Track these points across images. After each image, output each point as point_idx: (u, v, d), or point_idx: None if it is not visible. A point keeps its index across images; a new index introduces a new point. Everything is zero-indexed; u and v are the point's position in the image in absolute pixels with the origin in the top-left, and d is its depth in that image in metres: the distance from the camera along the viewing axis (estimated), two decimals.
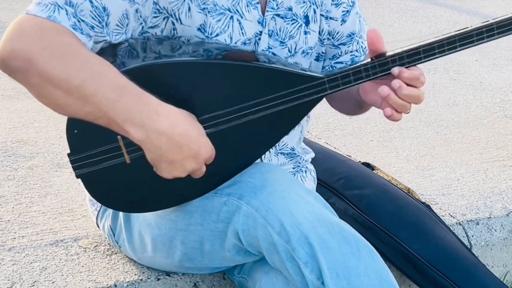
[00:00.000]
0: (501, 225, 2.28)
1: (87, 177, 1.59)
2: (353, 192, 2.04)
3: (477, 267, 1.97)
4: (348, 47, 1.84)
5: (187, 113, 1.48)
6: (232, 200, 1.56)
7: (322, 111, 2.64)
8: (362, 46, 1.86)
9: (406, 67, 1.50)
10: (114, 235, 1.80)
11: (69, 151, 1.56)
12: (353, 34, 1.84)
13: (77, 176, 1.58)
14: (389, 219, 1.99)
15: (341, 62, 1.82)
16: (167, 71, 1.54)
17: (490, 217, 2.28)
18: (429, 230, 2.00)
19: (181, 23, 1.60)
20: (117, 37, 1.52)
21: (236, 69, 1.57)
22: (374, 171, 2.19)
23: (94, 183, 1.61)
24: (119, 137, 1.50)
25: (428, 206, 2.07)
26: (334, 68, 1.79)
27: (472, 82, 3.44)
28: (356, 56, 1.84)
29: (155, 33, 1.62)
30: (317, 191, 1.92)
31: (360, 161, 2.27)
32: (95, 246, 1.88)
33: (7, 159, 2.28)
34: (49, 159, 2.31)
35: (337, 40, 1.84)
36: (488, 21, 1.54)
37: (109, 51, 1.53)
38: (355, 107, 1.85)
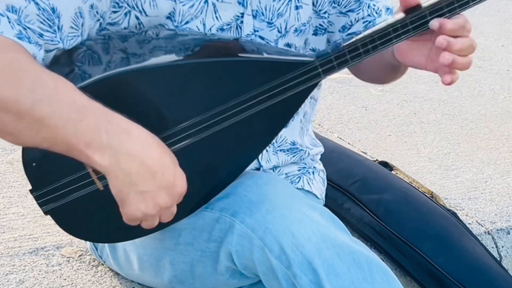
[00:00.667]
0: None
1: (57, 212, 1.48)
2: (370, 196, 1.98)
3: (509, 284, 1.92)
4: (357, 13, 1.72)
5: (157, 138, 1.37)
6: (225, 217, 1.47)
7: (335, 101, 2.62)
8: (374, 9, 1.74)
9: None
10: (97, 250, 1.74)
11: (30, 188, 1.45)
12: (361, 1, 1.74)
13: (45, 213, 1.47)
14: (411, 228, 1.93)
15: (354, 33, 1.67)
16: (133, 80, 1.42)
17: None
18: (456, 241, 1.93)
19: (146, 15, 1.51)
20: (71, 42, 1.42)
21: (214, 67, 1.48)
22: (393, 171, 2.15)
23: (66, 217, 1.51)
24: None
25: (454, 214, 2.03)
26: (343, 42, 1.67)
27: (499, 70, 3.45)
28: (370, 22, 1.73)
29: (111, 31, 1.53)
30: (330, 194, 1.89)
31: (377, 160, 2.24)
32: (79, 256, 1.80)
33: None
34: None
35: (345, 7, 1.72)
36: None
37: (64, 60, 1.42)
38: (391, 72, 1.72)
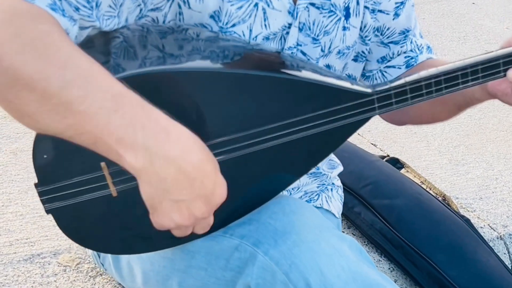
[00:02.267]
0: None
1: (60, 213, 1.34)
2: (382, 201, 1.92)
3: None
4: (401, 47, 1.61)
5: (200, 141, 1.22)
6: (246, 246, 1.34)
7: None
8: (417, 45, 1.63)
9: None
10: (99, 257, 1.62)
11: (36, 181, 1.29)
12: (408, 31, 1.61)
13: (47, 212, 1.33)
14: (423, 237, 1.86)
15: (394, 66, 1.60)
16: (172, 81, 1.29)
17: None
18: (470, 253, 1.86)
19: (190, 7, 1.37)
20: (108, 22, 1.27)
21: (256, 82, 1.34)
22: (403, 169, 2.08)
23: (69, 220, 1.37)
24: (102, 163, 1.24)
25: (467, 221, 1.95)
26: (384, 74, 1.59)
27: None
28: (412, 58, 1.62)
29: (157, 18, 1.38)
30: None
31: (388, 156, 2.15)
32: (77, 264, 1.72)
33: None
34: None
35: (387, 38, 1.61)
36: None
37: (99, 47, 1.29)
38: (453, 109, 1.59)
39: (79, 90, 1.09)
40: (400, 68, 1.56)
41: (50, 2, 1.16)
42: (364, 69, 1.61)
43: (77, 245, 1.65)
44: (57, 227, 1.72)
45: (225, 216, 1.35)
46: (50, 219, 1.72)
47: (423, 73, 1.26)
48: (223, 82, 1.30)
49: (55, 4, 1.16)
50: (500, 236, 2.04)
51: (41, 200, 1.30)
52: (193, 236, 1.35)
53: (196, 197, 1.15)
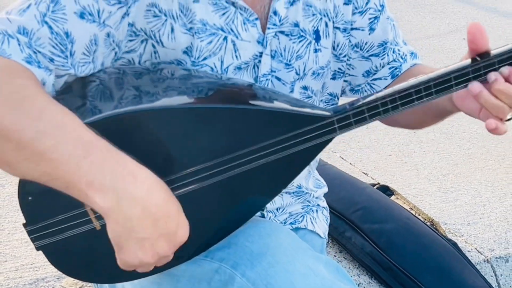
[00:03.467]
0: None
1: (49, 249, 1.36)
2: (372, 226, 1.91)
3: None
4: (382, 59, 1.61)
5: (164, 183, 1.25)
6: (225, 268, 1.35)
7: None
8: (400, 54, 1.64)
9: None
10: (96, 284, 1.63)
11: (24, 222, 1.32)
12: (386, 43, 1.62)
13: (37, 249, 1.35)
14: (412, 260, 1.86)
15: (380, 78, 1.60)
16: (145, 119, 1.32)
17: None
18: (457, 274, 1.86)
19: (163, 46, 1.40)
20: (83, 68, 1.31)
21: (227, 114, 1.37)
22: (393, 196, 2.07)
23: (59, 254, 1.40)
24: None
25: (454, 244, 1.96)
26: (372, 86, 1.60)
27: None
28: (396, 68, 1.62)
29: (132, 59, 1.41)
30: (332, 222, 1.78)
31: (378, 183, 2.15)
32: (79, 287, 1.72)
33: None
34: None
35: (367, 52, 1.61)
36: None
37: (76, 91, 1.32)
38: (433, 118, 1.58)
39: (51, 140, 1.12)
40: (386, 79, 1.57)
41: (25, 55, 1.20)
42: (351, 84, 1.62)
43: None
44: None
45: (205, 241, 1.37)
46: None
47: (380, 93, 1.29)
48: (193, 117, 1.33)
49: (30, 57, 1.21)
50: (487, 259, 2.03)
51: (30, 238, 1.32)
52: (174, 263, 1.36)
53: (160, 236, 1.18)
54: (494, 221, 2.24)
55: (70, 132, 1.14)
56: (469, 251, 2.04)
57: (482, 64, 1.26)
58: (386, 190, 2.07)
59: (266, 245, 1.34)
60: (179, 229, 1.20)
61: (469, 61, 1.26)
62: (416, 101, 1.32)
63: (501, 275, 2.06)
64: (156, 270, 1.36)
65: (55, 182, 1.14)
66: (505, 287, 2.07)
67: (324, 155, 2.09)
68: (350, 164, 2.31)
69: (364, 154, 2.44)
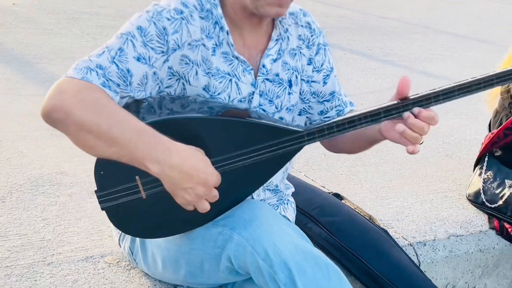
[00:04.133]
0: (443, 246, 2.23)
1: (110, 210, 1.54)
2: (326, 219, 1.99)
3: (425, 281, 1.94)
4: (331, 103, 1.76)
5: (195, 148, 1.41)
6: (226, 231, 1.50)
7: (303, 150, 2.61)
8: (343, 101, 1.78)
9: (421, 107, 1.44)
10: (132, 254, 1.75)
11: (96, 189, 1.52)
12: (334, 93, 1.77)
13: (102, 209, 1.53)
14: (355, 241, 1.95)
15: (329, 117, 1.75)
16: (178, 125, 1.49)
17: (434, 239, 2.23)
18: (387, 251, 1.95)
19: (190, 84, 1.54)
20: (138, 94, 1.47)
21: (233, 124, 1.52)
22: (343, 200, 2.14)
23: (116, 214, 1.56)
24: (137, 177, 1.45)
25: (385, 231, 2.03)
26: (323, 122, 1.72)
27: None
28: (341, 110, 1.77)
29: (169, 92, 1.56)
30: (297, 217, 1.89)
31: (331, 192, 2.22)
32: (117, 262, 1.81)
33: (52, 188, 2.21)
34: (85, 188, 2.24)
35: (321, 98, 1.76)
36: (477, 76, 1.47)
37: (133, 108, 1.49)
38: (366, 144, 1.74)
39: (118, 130, 1.33)
40: (334, 117, 1.71)
41: (101, 81, 1.38)
42: (310, 119, 1.76)
43: (117, 249, 1.82)
44: (103, 240, 1.90)
45: (213, 214, 1.50)
46: (98, 235, 1.88)
47: (333, 120, 1.47)
48: (207, 124, 1.50)
49: (104, 83, 1.38)
50: (410, 243, 2.13)
51: (98, 201, 1.50)
52: (197, 224, 1.53)
53: (196, 184, 1.37)
54: (416, 218, 2.31)
55: (129, 124, 1.35)
56: (397, 238, 2.11)
57: (401, 105, 1.43)
58: (338, 196, 2.15)
59: (254, 215, 1.50)
60: (209, 176, 1.39)
61: (394, 102, 1.44)
62: (358, 126, 1.48)
63: (421, 254, 2.13)
64: (187, 227, 1.55)
65: (122, 159, 1.37)
66: (423, 263, 2.11)
67: (293, 174, 2.19)
68: (312, 180, 2.41)
69: (322, 173, 2.53)
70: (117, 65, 1.42)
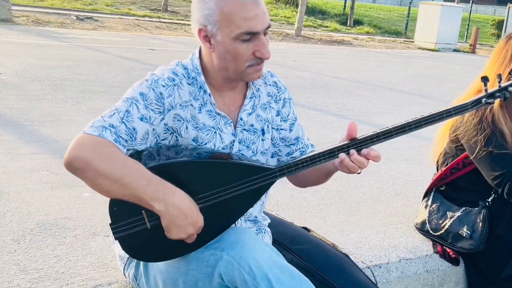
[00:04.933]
0: (396, 267, 2.32)
1: (122, 239, 1.62)
2: (297, 247, 2.03)
3: None
4: (296, 146, 1.88)
5: (188, 196, 1.53)
6: (217, 252, 1.57)
7: (273, 193, 2.72)
8: (305, 144, 1.89)
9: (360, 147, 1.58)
10: (136, 280, 1.80)
11: (110, 222, 1.60)
12: (298, 138, 1.88)
13: (116, 239, 1.60)
14: (322, 264, 1.97)
15: (294, 157, 1.85)
16: (174, 167, 1.59)
17: (388, 262, 2.31)
18: (349, 272, 1.99)
19: (181, 137, 1.66)
20: (140, 147, 1.58)
21: (218, 165, 1.63)
22: (310, 232, 2.19)
23: (127, 243, 1.64)
24: (143, 211, 1.55)
25: (347, 256, 2.07)
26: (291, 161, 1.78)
27: (373, 171, 3.46)
28: (304, 151, 1.87)
29: (165, 143, 1.66)
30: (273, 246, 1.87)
31: (300, 226, 2.24)
32: None
33: (58, 231, 2.28)
34: (87, 230, 2.30)
35: (288, 142, 1.88)
36: (412, 118, 1.62)
37: (136, 156, 1.59)
38: (325, 176, 1.83)
39: (130, 177, 1.48)
40: (299, 157, 1.74)
41: (113, 138, 1.51)
42: (279, 161, 1.86)
43: (122, 278, 1.91)
44: (108, 271, 1.98)
45: (205, 240, 1.59)
46: (103, 268, 1.98)
47: (297, 160, 1.60)
48: (197, 166, 1.59)
49: (115, 139, 1.51)
50: (368, 266, 2.23)
51: (112, 232, 1.59)
52: (192, 249, 1.58)
53: (188, 224, 1.51)
54: (372, 246, 2.41)
55: (138, 173, 1.49)
56: (357, 262, 2.19)
57: (351, 144, 1.58)
58: (305, 228, 2.16)
59: (239, 237, 1.58)
60: (198, 219, 1.50)
61: (345, 142, 1.58)
62: (318, 162, 1.61)
63: (377, 275, 2.23)
64: (183, 252, 1.60)
65: (133, 199, 1.51)
66: (380, 282, 2.20)
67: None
68: (282, 217, 2.32)
69: (291, 212, 2.63)
70: (125, 125, 1.55)
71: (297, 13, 14.41)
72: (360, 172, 1.62)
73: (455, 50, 15.22)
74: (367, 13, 21.97)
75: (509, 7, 16.79)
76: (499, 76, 1.68)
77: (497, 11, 30.04)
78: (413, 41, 16.09)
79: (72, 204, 2.57)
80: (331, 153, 1.62)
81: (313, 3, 20.50)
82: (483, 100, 1.66)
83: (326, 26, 17.75)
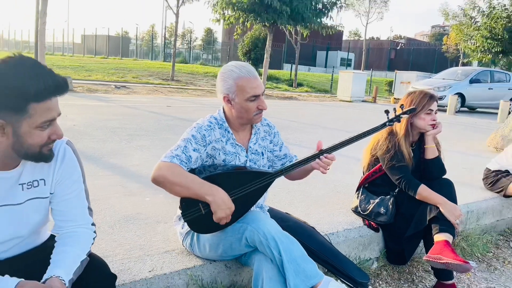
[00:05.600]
0: (342, 234, 2.35)
1: (189, 221, 1.70)
2: (284, 224, 1.94)
3: (338, 252, 1.99)
4: (285, 159, 1.95)
5: (226, 193, 1.61)
6: (244, 225, 1.64)
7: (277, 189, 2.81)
8: (291, 156, 1.94)
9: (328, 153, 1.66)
10: (191, 246, 1.84)
11: (181, 212, 1.67)
12: (286, 154, 1.95)
13: (185, 221, 1.66)
14: (300, 233, 1.95)
15: (283, 164, 1.93)
16: (215, 176, 1.66)
17: (337, 231, 2.34)
18: (316, 236, 2.01)
19: (216, 159, 1.76)
20: (193, 166, 1.67)
21: (239, 173, 1.69)
22: (290, 215, 2.15)
23: (191, 222, 1.70)
24: (199, 203, 1.63)
25: (314, 228, 2.09)
26: (283, 167, 1.83)
27: (324, 179, 3.38)
28: (291, 160, 1.92)
29: (207, 163, 1.75)
30: None
31: (284, 211, 2.24)
32: (182, 252, 1.92)
33: (135, 221, 2.25)
34: (153, 219, 2.26)
35: (279, 158, 1.95)
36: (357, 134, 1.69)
37: (191, 171, 1.68)
38: (306, 173, 1.89)
39: (191, 184, 1.56)
40: (286, 164, 1.87)
41: (179, 162, 1.58)
42: (274, 169, 1.89)
43: (180, 247, 1.95)
44: (172, 242, 1.98)
45: (235, 219, 1.63)
46: (168, 241, 1.98)
47: (285, 167, 1.67)
48: (229, 174, 1.65)
49: (180, 163, 1.58)
50: (326, 234, 2.23)
51: (183, 218, 1.67)
52: (228, 224, 1.65)
53: (226, 208, 1.57)
54: (327, 222, 2.42)
55: (196, 181, 1.58)
56: (318, 231, 2.13)
57: (320, 153, 1.67)
58: (287, 213, 2.15)
59: (256, 216, 1.65)
60: (231, 206, 1.59)
61: (317, 152, 1.67)
62: (301, 165, 1.71)
63: (332, 239, 2.25)
64: (225, 226, 1.62)
65: (193, 196, 1.57)
66: (333, 243, 2.19)
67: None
68: (273, 207, 2.57)
69: (276, 205, 2.50)
70: (185, 154, 1.64)
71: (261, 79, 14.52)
72: (326, 172, 1.72)
73: (363, 101, 15.31)
74: (306, 78, 22.26)
75: (396, 72, 17.43)
76: (402, 106, 1.92)
77: (388, 75, 30.94)
78: (336, 96, 16.20)
79: (139, 205, 2.56)
80: (309, 159, 1.73)
81: (271, 73, 20.72)
82: (387, 123, 1.86)
83: (280, 87, 17.79)
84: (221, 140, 1.73)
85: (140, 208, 2.49)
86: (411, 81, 15.66)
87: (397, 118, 1.90)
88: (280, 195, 2.90)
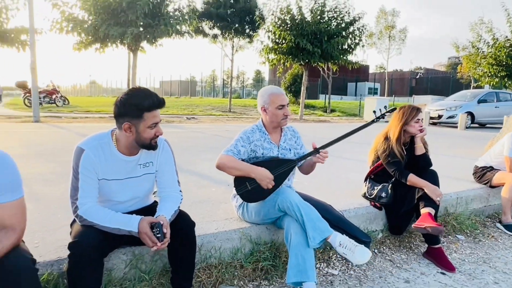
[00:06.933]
0: (353, 211, 2.49)
1: (241, 194, 1.89)
2: (307, 201, 1.91)
3: (347, 221, 2.10)
4: (302, 151, 2.08)
5: (265, 169, 1.81)
6: (276, 196, 1.82)
7: (305, 183, 2.94)
8: (306, 150, 2.07)
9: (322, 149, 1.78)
10: (242, 214, 2.04)
11: (234, 187, 1.88)
12: (304, 151, 2.09)
13: (237, 194, 1.87)
14: (319, 208, 1.99)
15: (299, 154, 2.05)
16: (258, 163, 1.88)
17: (349, 209, 2.47)
18: (332, 211, 2.12)
19: (257, 153, 1.93)
20: (243, 157, 1.88)
21: (274, 160, 1.88)
22: (312, 197, 2.14)
23: (242, 195, 1.91)
24: (246, 181, 1.82)
25: (331, 206, 2.19)
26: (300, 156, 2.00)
27: (340, 176, 3.46)
28: (305, 152, 2.05)
29: (251, 155, 1.94)
30: None
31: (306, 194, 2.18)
32: (236, 219, 2.10)
33: (205, 203, 2.47)
34: (217, 201, 2.47)
35: (301, 153, 2.09)
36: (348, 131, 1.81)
37: (241, 160, 1.85)
38: (311, 167, 2.03)
39: (242, 166, 1.77)
40: (302, 154, 1.97)
41: (232, 154, 1.76)
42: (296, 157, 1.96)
43: (235, 215, 2.13)
44: (229, 212, 2.24)
45: (272, 191, 1.79)
46: (228, 212, 2.19)
47: (301, 156, 1.79)
48: (269, 161, 1.83)
49: (234, 155, 1.76)
50: (340, 211, 2.32)
51: (236, 192, 1.82)
52: (267, 196, 1.80)
53: (268, 180, 1.76)
54: (342, 203, 2.51)
55: (245, 166, 1.78)
56: (337, 209, 2.22)
57: (315, 150, 1.79)
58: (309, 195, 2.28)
59: (285, 190, 1.81)
60: (270, 176, 1.77)
61: (314, 149, 1.80)
62: (311, 156, 1.82)
63: (344, 214, 2.32)
64: (264, 197, 1.77)
65: (244, 175, 1.77)
66: (346, 217, 2.24)
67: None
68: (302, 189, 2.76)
69: (305, 185, 2.58)
70: (236, 149, 1.88)
71: (299, 108, 14.37)
72: (324, 162, 1.87)
73: (386, 122, 15.11)
74: (338, 105, 22.03)
75: (413, 97, 16.92)
76: (385, 106, 2.09)
77: (409, 100, 29.87)
78: (363, 118, 15.98)
79: (207, 193, 2.78)
80: (312, 153, 1.92)
81: (308, 102, 20.63)
82: (374, 120, 2.04)
83: (316, 113, 17.70)
84: (260, 140, 1.94)
85: (208, 195, 2.73)
86: (427, 103, 15.19)
87: (382, 116, 2.06)
88: (306, 188, 2.93)
